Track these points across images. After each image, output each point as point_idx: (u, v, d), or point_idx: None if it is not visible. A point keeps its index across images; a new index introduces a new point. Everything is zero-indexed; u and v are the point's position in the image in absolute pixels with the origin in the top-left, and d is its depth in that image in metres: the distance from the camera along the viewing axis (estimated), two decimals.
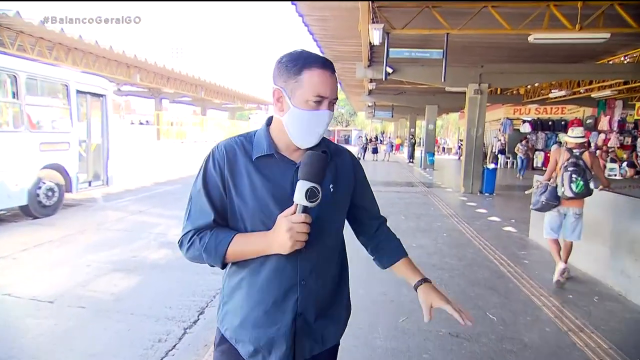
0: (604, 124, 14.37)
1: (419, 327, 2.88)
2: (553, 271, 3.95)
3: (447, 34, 6.98)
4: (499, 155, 17.46)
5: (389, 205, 7.81)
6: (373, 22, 6.59)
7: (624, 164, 10.89)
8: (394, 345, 2.64)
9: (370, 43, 7.47)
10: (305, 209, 0.93)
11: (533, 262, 4.44)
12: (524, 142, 14.29)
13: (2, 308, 3.11)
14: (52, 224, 5.61)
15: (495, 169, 9.96)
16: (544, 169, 12.87)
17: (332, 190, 1.05)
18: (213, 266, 1.02)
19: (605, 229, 3.97)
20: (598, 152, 12.64)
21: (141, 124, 20.71)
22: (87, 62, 12.28)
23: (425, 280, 1.16)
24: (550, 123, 17.17)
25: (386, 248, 1.23)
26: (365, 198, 1.21)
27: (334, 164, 1.08)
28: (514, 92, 15.19)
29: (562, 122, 16.67)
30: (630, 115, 14.16)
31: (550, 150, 13.05)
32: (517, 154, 14.17)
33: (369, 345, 2.62)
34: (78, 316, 2.96)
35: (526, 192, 4.40)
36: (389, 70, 8.56)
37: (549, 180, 3.87)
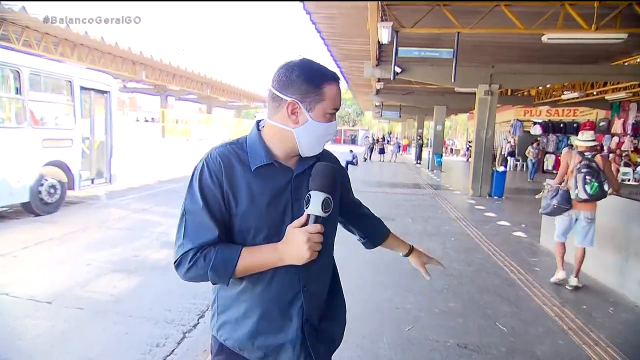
0: (617, 126, 14.07)
1: (426, 336, 2.80)
2: (566, 281, 3.86)
3: (458, 33, 6.84)
4: (509, 158, 17.20)
5: (395, 207, 7.70)
6: (382, 20, 6.49)
7: (638, 168, 10.62)
8: (400, 355, 2.55)
9: (378, 42, 7.37)
10: (317, 219, 0.94)
11: (544, 270, 4.30)
12: (535, 144, 14.03)
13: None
14: (53, 222, 5.58)
15: (504, 172, 9.78)
16: (554, 172, 12.65)
17: None
18: (215, 284, 1.00)
19: (620, 236, 3.85)
20: (611, 155, 12.37)
21: (147, 121, 20.81)
22: (93, 59, 12.32)
23: (412, 248, 1.39)
24: (561, 125, 16.87)
25: (374, 229, 1.36)
26: (350, 193, 1.30)
27: None
28: (525, 93, 14.96)
29: (574, 125, 16.33)
30: None
31: (561, 153, 12.79)
32: (527, 157, 13.89)
33: (373, 355, 2.53)
34: (76, 317, 2.91)
35: (536, 197, 4.31)
36: (398, 69, 8.44)
37: (561, 184, 3.81)
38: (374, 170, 16.82)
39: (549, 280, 4.00)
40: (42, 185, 5.74)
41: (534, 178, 13.16)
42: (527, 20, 6.45)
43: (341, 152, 21.41)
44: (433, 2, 6.40)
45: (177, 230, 1.00)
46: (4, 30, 9.17)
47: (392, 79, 8.59)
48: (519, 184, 12.68)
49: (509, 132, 18.14)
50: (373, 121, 45.45)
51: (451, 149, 33.05)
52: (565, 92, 13.04)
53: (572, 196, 3.63)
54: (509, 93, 14.31)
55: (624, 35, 6.26)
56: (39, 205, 5.73)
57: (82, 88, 6.51)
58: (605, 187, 3.57)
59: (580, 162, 3.61)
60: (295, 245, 0.93)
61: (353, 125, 50.89)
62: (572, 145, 11.56)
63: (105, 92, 7.11)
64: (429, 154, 18.30)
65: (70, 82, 6.29)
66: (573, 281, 3.78)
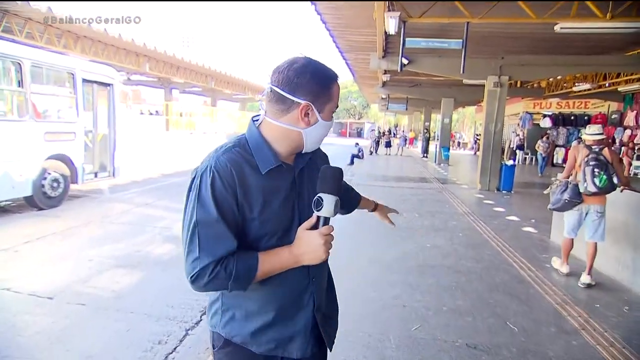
0: (630, 119, 13.72)
1: (434, 336, 2.73)
2: (578, 277, 3.78)
3: (467, 22, 6.65)
4: (517, 151, 16.93)
5: (402, 202, 7.59)
6: (389, 10, 6.34)
7: None
8: (407, 356, 2.48)
9: (385, 32, 7.21)
10: (325, 220, 0.99)
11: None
12: (544, 138, 13.76)
13: (0, 303, 3.04)
14: (56, 216, 5.55)
15: (513, 166, 9.59)
16: (564, 165, 12.39)
17: None
18: (232, 291, 0.99)
19: (634, 232, 3.76)
20: (624, 148, 12.10)
21: (151, 114, 20.80)
22: (96, 51, 12.25)
23: (376, 204, 1.58)
24: (572, 118, 16.56)
25: (351, 200, 1.50)
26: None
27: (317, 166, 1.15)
28: (535, 85, 14.65)
29: (585, 117, 16.03)
30: None
31: (571, 146, 12.54)
32: (537, 151, 13.62)
33: (380, 356, 2.47)
34: (77, 314, 2.88)
35: (545, 192, 4.21)
36: (405, 61, 8.26)
37: (568, 178, 3.80)
38: (380, 163, 16.68)
39: (560, 277, 3.91)
40: (45, 179, 5.71)
41: (543, 172, 12.96)
42: (538, 9, 6.26)
43: (347, 145, 21.42)
44: None
45: (188, 243, 0.95)
46: (7, 22, 9.12)
47: (399, 70, 8.45)
48: (528, 178, 12.50)
49: (518, 125, 17.84)
50: (379, 114, 45.12)
51: (458, 142, 32.66)
52: (576, 84, 12.76)
53: (581, 190, 3.61)
54: (518, 85, 14.05)
55: None
56: (42, 199, 5.71)
57: (85, 80, 6.44)
58: (614, 180, 3.57)
59: (587, 155, 3.60)
60: (312, 248, 0.98)
61: (359, 118, 50.61)
62: (581, 139, 11.36)
63: (108, 84, 7.04)
64: (436, 147, 18.10)
65: (72, 74, 6.22)
66: (585, 279, 3.69)
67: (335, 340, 1.21)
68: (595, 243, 3.67)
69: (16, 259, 3.89)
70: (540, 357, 2.52)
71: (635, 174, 10.79)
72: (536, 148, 13.71)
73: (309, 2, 6.76)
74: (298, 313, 1.07)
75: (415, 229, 5.53)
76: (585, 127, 4.01)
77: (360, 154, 16.46)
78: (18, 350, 2.43)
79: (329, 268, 1.24)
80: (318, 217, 0.98)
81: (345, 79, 31.56)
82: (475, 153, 23.48)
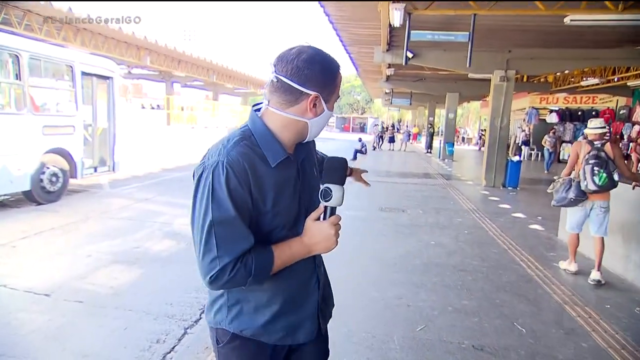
0: (639, 114, 13.51)
1: (439, 337, 2.66)
2: (587, 275, 3.70)
3: (474, 14, 6.48)
4: (523, 147, 16.73)
5: (406, 198, 7.50)
6: (394, 2, 6.17)
7: None
8: (412, 358, 2.41)
9: (390, 25, 7.06)
10: (332, 210, 1.02)
11: None
12: (551, 133, 13.56)
13: None
14: (55, 211, 5.49)
15: (519, 162, 9.45)
16: None
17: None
18: (247, 287, 0.99)
19: None
20: (632, 144, 11.90)
21: (153, 108, 20.72)
22: (96, 43, 12.11)
23: (351, 169, 1.56)
24: (579, 113, 16.32)
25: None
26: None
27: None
28: (542, 79, 14.42)
29: (593, 112, 15.76)
30: None
31: None
32: (544, 147, 13.43)
33: (383, 357, 2.39)
34: (74, 311, 2.82)
35: (548, 190, 4.12)
36: (410, 54, 8.11)
37: (569, 175, 3.77)
38: (384, 159, 16.57)
39: (568, 276, 3.83)
40: (43, 173, 5.64)
41: (550, 169, 12.80)
42: (548, 1, 6.08)
43: (350, 140, 21.29)
44: None
45: (204, 243, 0.92)
46: (6, 14, 9.01)
47: (403, 64, 8.30)
48: (534, 174, 12.36)
49: (524, 120, 17.63)
50: (382, 109, 44.87)
51: (463, 138, 32.41)
52: (584, 78, 12.53)
53: (582, 188, 3.60)
54: (524, 79, 13.82)
55: None
56: (40, 193, 5.64)
57: (84, 73, 6.35)
58: (615, 176, 3.53)
59: (589, 152, 3.58)
60: (324, 237, 1.01)
61: (362, 113, 50.36)
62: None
63: (108, 77, 6.95)
64: (440, 143, 17.93)
65: (71, 67, 6.13)
66: (595, 275, 3.63)
67: (335, 340, 1.24)
68: (602, 238, 3.64)
69: (13, 255, 3.84)
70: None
71: None
72: (543, 143, 13.52)
73: None
74: (307, 299, 1.10)
75: (419, 225, 5.46)
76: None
77: (363, 149, 16.36)
78: (13, 349, 2.38)
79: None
80: (325, 207, 1.01)
81: (348, 73, 31.24)
82: (480, 149, 23.27)
